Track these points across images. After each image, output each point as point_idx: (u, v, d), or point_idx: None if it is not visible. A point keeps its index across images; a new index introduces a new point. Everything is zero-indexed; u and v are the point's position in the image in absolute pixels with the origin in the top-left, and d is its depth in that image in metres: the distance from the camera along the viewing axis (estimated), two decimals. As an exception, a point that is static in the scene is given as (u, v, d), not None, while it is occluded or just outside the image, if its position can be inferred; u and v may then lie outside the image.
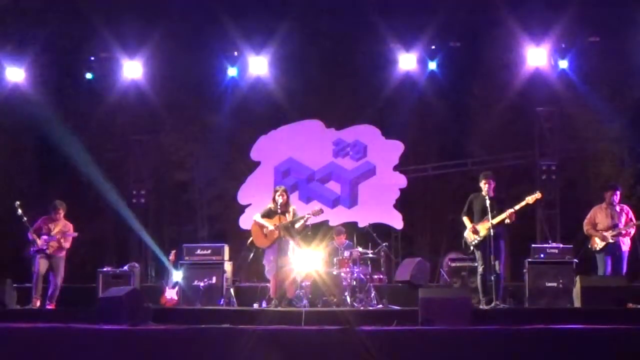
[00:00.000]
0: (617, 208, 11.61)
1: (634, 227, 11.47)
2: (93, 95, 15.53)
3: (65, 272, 12.38)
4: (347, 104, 15.62)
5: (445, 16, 14.13)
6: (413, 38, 14.83)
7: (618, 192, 11.67)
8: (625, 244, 11.49)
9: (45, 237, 12.06)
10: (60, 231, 12.19)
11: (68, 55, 15.31)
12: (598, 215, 11.67)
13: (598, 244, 11.53)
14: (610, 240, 11.43)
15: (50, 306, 12.03)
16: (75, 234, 12.26)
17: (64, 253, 12.26)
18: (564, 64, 14.75)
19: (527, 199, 10.82)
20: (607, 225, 11.51)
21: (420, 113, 15.56)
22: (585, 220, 11.83)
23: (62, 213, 12.31)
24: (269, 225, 11.32)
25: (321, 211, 11.47)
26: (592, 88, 14.77)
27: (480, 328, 8.67)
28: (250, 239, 11.83)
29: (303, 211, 11.72)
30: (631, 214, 11.59)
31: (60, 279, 12.22)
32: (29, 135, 15.98)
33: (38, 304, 12.03)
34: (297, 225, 11.33)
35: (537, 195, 10.88)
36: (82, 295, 12.81)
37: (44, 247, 12.03)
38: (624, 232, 11.42)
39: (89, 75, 15.46)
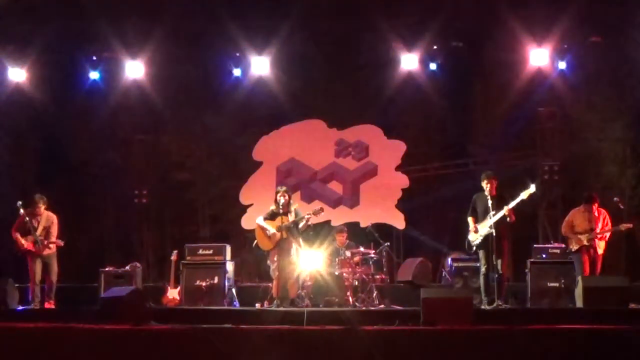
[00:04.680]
0: (596, 213, 11.67)
1: (609, 232, 11.56)
2: (95, 95, 15.54)
3: (67, 272, 12.38)
4: (349, 104, 15.60)
5: (447, 16, 14.13)
6: (415, 38, 14.83)
7: (596, 204, 11.69)
8: (601, 247, 11.57)
9: (30, 237, 12.01)
10: (44, 228, 12.12)
11: (70, 55, 15.32)
12: (577, 218, 11.74)
13: (574, 245, 11.58)
14: (585, 243, 11.49)
15: (49, 304, 12.02)
16: (61, 243, 12.19)
17: (54, 250, 12.19)
18: (565, 64, 14.76)
19: (521, 194, 10.83)
20: (585, 228, 11.59)
21: (422, 113, 15.55)
22: (564, 223, 11.94)
23: (42, 207, 12.21)
24: (271, 228, 11.37)
25: (321, 210, 11.49)
26: (593, 88, 14.76)
27: (482, 328, 8.67)
28: (255, 241, 11.85)
29: (305, 211, 11.73)
30: (608, 219, 11.69)
31: (55, 275, 12.17)
32: (30, 135, 15.99)
33: (38, 306, 12.01)
34: (299, 226, 11.37)
35: (531, 189, 10.87)
36: (83, 295, 12.83)
37: (31, 248, 12.01)
38: (599, 236, 11.50)
39: (95, 75, 15.48)
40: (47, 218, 12.22)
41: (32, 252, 12.02)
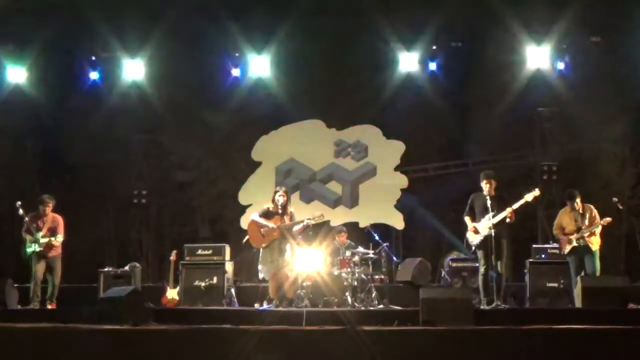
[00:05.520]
0: (581, 210, 11.51)
1: (598, 226, 11.37)
2: (94, 95, 15.55)
3: (66, 272, 12.34)
4: (348, 104, 15.61)
5: (447, 16, 14.15)
6: (414, 38, 14.87)
7: (577, 200, 11.52)
8: (595, 244, 11.37)
9: (37, 236, 12.00)
10: (49, 229, 12.09)
11: (69, 55, 15.33)
12: (564, 219, 11.63)
13: (566, 247, 11.50)
14: (575, 244, 11.39)
15: (50, 306, 12.01)
16: (61, 237, 12.15)
17: (59, 251, 12.15)
18: (564, 64, 14.78)
19: (525, 196, 10.81)
20: (572, 229, 11.46)
21: (421, 113, 15.54)
22: (554, 225, 11.82)
23: (50, 207, 12.20)
24: (270, 224, 11.29)
25: (322, 216, 11.47)
26: (593, 88, 14.76)
27: (481, 328, 8.67)
28: (246, 237, 11.80)
29: (303, 213, 11.70)
30: (595, 213, 11.48)
31: (58, 278, 12.13)
32: (30, 135, 16.00)
33: (38, 306, 11.98)
34: (295, 229, 11.30)
35: (536, 192, 10.87)
36: (83, 295, 12.80)
37: (38, 249, 11.97)
38: (587, 233, 11.36)
39: (94, 75, 15.49)
40: (53, 219, 12.19)
41: (37, 252, 11.99)
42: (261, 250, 11.50)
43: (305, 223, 11.32)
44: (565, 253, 11.55)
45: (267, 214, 11.41)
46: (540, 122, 15.13)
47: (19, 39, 15.14)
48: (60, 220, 12.22)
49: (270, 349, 8.10)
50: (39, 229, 12.03)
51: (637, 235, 12.98)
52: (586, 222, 11.41)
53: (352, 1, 14.46)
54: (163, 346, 8.36)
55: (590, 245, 11.34)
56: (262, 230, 11.37)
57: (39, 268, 12.01)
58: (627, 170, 14.96)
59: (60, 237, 12.06)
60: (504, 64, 14.81)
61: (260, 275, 11.80)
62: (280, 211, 11.32)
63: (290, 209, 11.53)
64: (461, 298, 9.73)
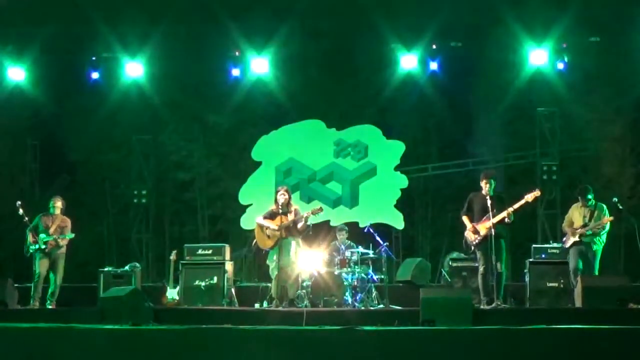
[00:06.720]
0: (593, 207, 11.39)
1: (604, 228, 11.26)
2: (94, 95, 15.55)
3: (66, 272, 12.35)
4: (348, 104, 15.63)
5: (447, 16, 14.14)
6: (414, 38, 14.85)
7: (589, 196, 11.36)
8: (598, 243, 11.26)
9: (42, 236, 12.00)
10: (58, 227, 12.12)
11: (69, 55, 15.33)
12: (574, 213, 11.53)
13: (568, 241, 11.40)
14: (577, 239, 11.29)
15: (51, 306, 12.01)
16: (72, 235, 12.18)
17: (63, 250, 12.17)
18: (564, 64, 14.79)
19: (526, 197, 10.77)
20: (579, 225, 11.34)
21: (421, 113, 15.58)
22: (565, 218, 11.70)
23: (59, 208, 12.25)
24: (271, 225, 11.30)
25: (320, 210, 11.45)
26: (593, 88, 14.78)
27: (481, 328, 8.67)
28: (255, 240, 11.82)
29: (304, 211, 11.72)
30: (604, 213, 11.32)
31: (60, 277, 12.13)
32: (30, 135, 16.02)
33: (37, 305, 12.00)
34: (299, 226, 11.32)
35: (536, 193, 10.84)
36: (83, 295, 12.83)
37: (43, 247, 11.98)
38: (589, 232, 11.22)
39: (94, 75, 15.49)
40: (63, 220, 12.23)
41: (42, 251, 11.98)
42: (269, 251, 11.52)
43: (304, 218, 11.31)
44: (567, 247, 11.49)
45: (271, 215, 11.44)
46: (540, 122, 15.12)
47: (19, 39, 15.13)
48: (69, 221, 12.26)
49: (271, 349, 8.10)
50: (47, 228, 12.05)
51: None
52: (593, 220, 11.35)
53: (352, 1, 14.45)
54: (163, 346, 8.36)
55: (592, 244, 11.29)
56: (266, 232, 11.40)
57: (42, 266, 12.01)
58: (627, 170, 14.95)
59: (70, 235, 12.09)
60: (504, 64, 14.83)
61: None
62: (281, 210, 11.32)
63: (294, 207, 11.53)
64: (461, 298, 9.74)
